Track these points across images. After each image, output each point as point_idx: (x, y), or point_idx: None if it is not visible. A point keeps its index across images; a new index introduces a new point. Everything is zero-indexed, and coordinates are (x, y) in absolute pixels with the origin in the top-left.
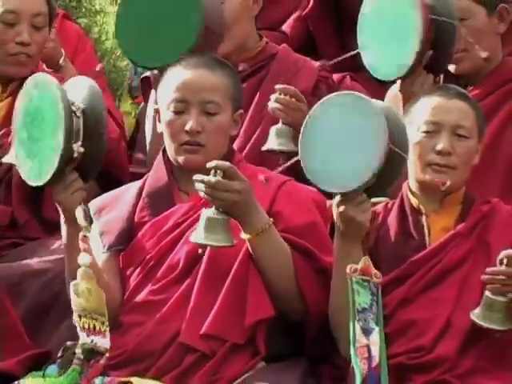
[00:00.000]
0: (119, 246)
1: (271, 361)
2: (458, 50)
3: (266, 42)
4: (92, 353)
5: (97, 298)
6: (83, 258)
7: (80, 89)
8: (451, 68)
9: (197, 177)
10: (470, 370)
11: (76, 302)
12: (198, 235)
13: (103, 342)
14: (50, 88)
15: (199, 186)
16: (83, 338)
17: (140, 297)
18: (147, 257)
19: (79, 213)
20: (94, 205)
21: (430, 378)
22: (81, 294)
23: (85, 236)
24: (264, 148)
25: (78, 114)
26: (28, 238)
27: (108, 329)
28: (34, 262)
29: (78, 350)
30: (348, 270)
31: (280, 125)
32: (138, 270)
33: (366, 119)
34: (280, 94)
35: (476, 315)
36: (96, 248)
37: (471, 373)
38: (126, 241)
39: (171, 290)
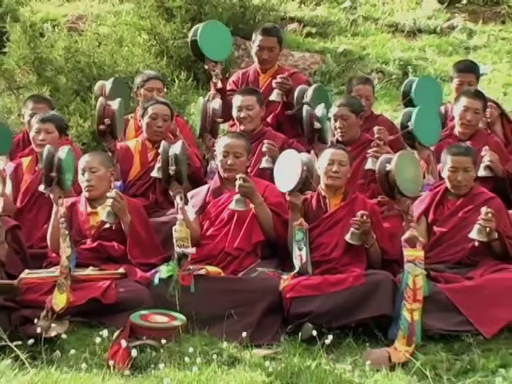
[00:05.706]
0: (199, 212)
1: (263, 259)
2: (344, 132)
3: (262, 127)
4: (183, 256)
5: (184, 233)
6: (179, 216)
7: (179, 146)
8: (339, 138)
9: (236, 182)
10: (346, 263)
11: (175, 235)
12: (232, 206)
13: (188, 250)
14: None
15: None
16: (176, 249)
17: (208, 233)
18: (211, 216)
19: (179, 198)
20: (189, 194)
21: (329, 267)
22: (177, 230)
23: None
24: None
25: (174, 156)
26: (161, 208)
27: (190, 245)
28: (163, 218)
29: (174, 255)
30: (294, 224)
31: (267, 157)
32: (207, 222)
33: (296, 162)
34: (268, 144)
35: (348, 238)
36: (190, 213)
37: (347, 264)
38: (202, 210)
39: (222, 230)
